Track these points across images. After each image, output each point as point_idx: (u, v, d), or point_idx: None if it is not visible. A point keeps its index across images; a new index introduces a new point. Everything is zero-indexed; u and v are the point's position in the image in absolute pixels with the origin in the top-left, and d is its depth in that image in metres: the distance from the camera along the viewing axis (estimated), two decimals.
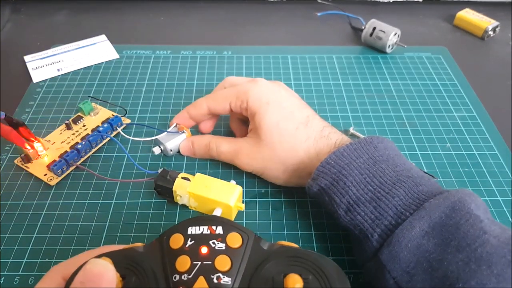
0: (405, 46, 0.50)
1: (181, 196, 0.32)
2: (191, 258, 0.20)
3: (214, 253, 0.20)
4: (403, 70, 0.48)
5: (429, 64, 0.49)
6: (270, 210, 0.33)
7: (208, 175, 0.32)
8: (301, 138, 0.31)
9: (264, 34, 0.54)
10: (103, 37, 0.52)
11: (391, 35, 0.48)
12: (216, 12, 0.59)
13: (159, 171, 0.33)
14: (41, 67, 0.47)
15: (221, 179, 0.32)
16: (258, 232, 0.31)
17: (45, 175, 0.35)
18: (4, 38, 0.53)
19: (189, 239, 0.21)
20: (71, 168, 0.36)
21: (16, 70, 0.48)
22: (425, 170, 0.36)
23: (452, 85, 0.46)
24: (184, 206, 0.33)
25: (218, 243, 0.20)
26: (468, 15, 0.55)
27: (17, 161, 0.36)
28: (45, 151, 0.36)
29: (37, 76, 0.46)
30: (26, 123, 0.39)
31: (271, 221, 0.32)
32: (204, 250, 0.20)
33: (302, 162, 0.30)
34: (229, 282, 0.19)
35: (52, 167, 0.34)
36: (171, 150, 0.36)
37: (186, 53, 0.50)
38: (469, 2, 0.59)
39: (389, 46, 0.49)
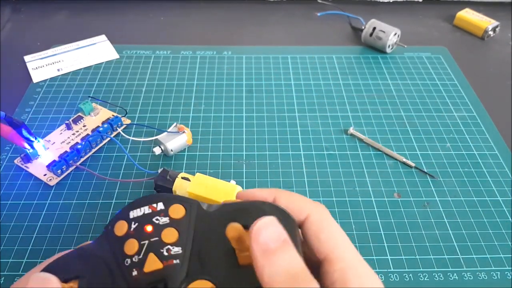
0: (405, 46, 0.50)
1: None
2: (138, 239, 0.20)
3: (159, 228, 0.20)
4: (403, 70, 0.48)
5: (429, 64, 0.49)
6: None
7: (208, 175, 0.33)
8: None
9: (264, 34, 0.54)
10: (103, 37, 0.52)
11: (391, 35, 0.48)
12: (216, 12, 0.59)
13: (159, 171, 0.33)
14: (41, 67, 0.47)
15: (221, 179, 0.32)
16: None
17: (45, 175, 0.35)
18: (4, 38, 0.53)
19: (132, 222, 0.20)
20: (71, 168, 0.36)
21: (16, 70, 0.48)
22: (425, 170, 0.36)
23: (452, 85, 0.46)
24: None
25: (161, 218, 0.20)
26: (468, 15, 0.55)
27: (17, 161, 0.36)
28: (45, 151, 0.36)
29: (37, 76, 0.46)
30: (26, 123, 0.39)
31: None
32: (149, 228, 0.20)
33: None
34: (180, 251, 0.19)
35: (52, 167, 0.34)
36: (171, 150, 0.36)
37: (186, 53, 0.50)
38: (469, 2, 0.59)
39: (389, 46, 0.49)
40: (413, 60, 0.49)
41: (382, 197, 0.34)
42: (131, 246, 0.20)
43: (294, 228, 0.20)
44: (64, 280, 0.19)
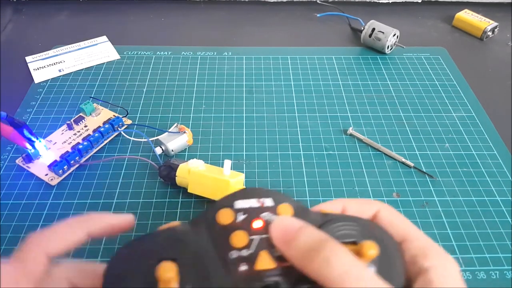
0: (404, 47, 0.50)
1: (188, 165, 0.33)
2: (247, 232, 0.19)
3: (269, 226, 0.19)
4: (402, 71, 0.48)
5: (428, 65, 0.49)
6: None
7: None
8: None
9: (264, 35, 0.55)
10: (104, 38, 0.53)
11: (390, 36, 0.49)
12: (217, 13, 0.59)
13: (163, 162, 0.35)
14: (43, 67, 0.48)
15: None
16: None
17: (46, 175, 0.35)
18: (5, 39, 0.53)
19: (239, 213, 0.19)
20: (72, 168, 0.36)
21: (17, 70, 0.48)
22: (424, 170, 0.36)
23: (451, 85, 0.46)
24: (185, 206, 0.33)
25: (270, 216, 0.19)
26: (467, 16, 0.55)
27: (19, 161, 0.36)
28: (47, 151, 0.37)
29: (38, 76, 0.46)
30: (27, 123, 0.39)
31: None
32: (258, 223, 0.19)
33: None
34: None
35: (53, 167, 0.35)
36: (172, 150, 0.37)
37: (187, 54, 0.50)
38: (468, 3, 0.60)
39: (388, 47, 0.50)
40: (412, 61, 0.50)
41: (381, 196, 0.34)
42: (239, 239, 0.18)
43: (394, 247, 0.19)
44: (159, 260, 0.18)
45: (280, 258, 0.18)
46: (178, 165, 0.33)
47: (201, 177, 0.32)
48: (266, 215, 0.19)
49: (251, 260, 0.18)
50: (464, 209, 0.34)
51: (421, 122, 0.41)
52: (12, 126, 0.34)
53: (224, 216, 0.19)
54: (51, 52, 0.50)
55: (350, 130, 0.40)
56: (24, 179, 0.35)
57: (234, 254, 0.18)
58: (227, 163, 0.31)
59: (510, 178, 0.36)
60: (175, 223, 0.20)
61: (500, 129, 0.41)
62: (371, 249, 0.17)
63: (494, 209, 0.34)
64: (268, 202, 0.20)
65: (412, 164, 0.37)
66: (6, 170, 0.36)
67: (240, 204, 0.20)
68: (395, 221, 0.21)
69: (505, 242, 0.31)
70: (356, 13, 0.56)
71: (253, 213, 0.19)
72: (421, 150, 0.38)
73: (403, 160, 0.37)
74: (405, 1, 0.61)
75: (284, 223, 0.19)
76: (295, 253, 0.18)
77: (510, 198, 0.34)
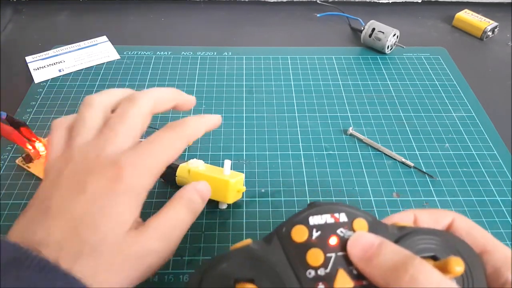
0: (404, 47, 0.50)
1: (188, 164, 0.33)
2: (323, 250, 0.19)
3: (345, 242, 0.19)
4: (402, 71, 0.48)
5: (428, 65, 0.49)
6: (270, 209, 0.33)
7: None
8: None
9: (264, 35, 0.55)
10: (104, 37, 0.53)
11: (390, 36, 0.49)
12: (217, 13, 0.59)
13: None
14: (43, 67, 0.48)
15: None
16: (258, 232, 0.32)
17: None
18: (5, 39, 0.53)
19: (314, 229, 0.19)
20: None
21: (17, 70, 0.48)
22: (424, 170, 0.36)
23: (451, 85, 0.46)
24: None
25: (346, 232, 0.19)
26: (467, 16, 0.55)
27: (19, 161, 0.36)
28: (47, 151, 0.37)
29: (38, 76, 0.47)
30: (27, 123, 0.39)
31: (271, 220, 0.32)
32: (333, 240, 0.19)
33: None
34: None
35: None
36: None
37: (187, 54, 0.50)
38: (468, 2, 0.60)
39: (388, 47, 0.50)
40: (412, 61, 0.50)
41: (381, 196, 0.34)
42: (316, 257, 0.18)
43: (476, 259, 0.19)
44: (235, 280, 0.18)
45: (357, 276, 0.18)
46: (178, 165, 0.33)
47: (201, 177, 0.32)
48: (341, 231, 0.19)
49: (329, 279, 0.18)
50: (464, 209, 0.34)
51: (421, 122, 0.41)
52: (12, 126, 0.34)
53: (299, 233, 0.19)
54: (51, 52, 0.50)
55: (350, 130, 0.40)
56: (24, 179, 0.35)
57: (311, 273, 0.18)
58: (227, 163, 0.31)
59: (510, 178, 0.36)
60: (247, 241, 0.20)
61: (500, 129, 0.41)
62: (458, 265, 0.17)
63: (494, 209, 0.34)
64: (343, 217, 0.20)
65: (412, 164, 0.37)
66: (6, 170, 0.36)
67: (314, 220, 0.19)
68: (472, 232, 0.21)
69: (505, 242, 0.31)
70: (356, 13, 0.56)
71: (327, 229, 0.19)
72: (421, 150, 0.38)
73: (403, 160, 0.37)
74: (405, 1, 0.61)
75: (363, 240, 0.19)
76: (377, 271, 0.18)
77: (510, 198, 0.34)
